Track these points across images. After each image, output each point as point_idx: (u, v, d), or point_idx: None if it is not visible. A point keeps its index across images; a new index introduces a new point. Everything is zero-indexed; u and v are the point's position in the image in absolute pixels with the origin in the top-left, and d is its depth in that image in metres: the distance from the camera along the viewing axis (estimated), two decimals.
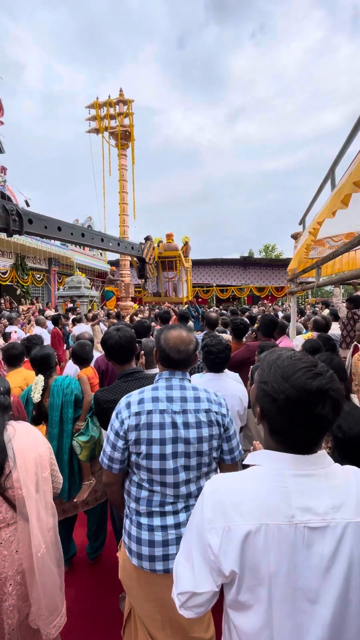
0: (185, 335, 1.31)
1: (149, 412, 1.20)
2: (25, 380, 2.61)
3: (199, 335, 3.47)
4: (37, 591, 1.22)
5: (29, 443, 1.29)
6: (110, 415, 1.30)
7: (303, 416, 0.66)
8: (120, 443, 1.22)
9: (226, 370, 2.41)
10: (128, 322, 5.63)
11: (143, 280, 8.70)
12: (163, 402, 1.22)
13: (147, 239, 8.65)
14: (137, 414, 1.21)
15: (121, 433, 1.21)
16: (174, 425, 1.20)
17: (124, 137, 9.88)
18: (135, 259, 8.24)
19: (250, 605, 0.67)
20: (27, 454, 1.26)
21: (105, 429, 1.44)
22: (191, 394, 1.26)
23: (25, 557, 1.23)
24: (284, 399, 0.67)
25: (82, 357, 2.54)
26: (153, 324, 5.42)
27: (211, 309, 12.63)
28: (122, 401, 1.27)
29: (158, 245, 8.87)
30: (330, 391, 0.66)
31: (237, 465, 1.35)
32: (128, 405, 1.24)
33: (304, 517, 0.66)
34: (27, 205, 15.12)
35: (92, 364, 2.81)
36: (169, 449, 1.18)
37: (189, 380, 1.33)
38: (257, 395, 0.75)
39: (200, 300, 21.67)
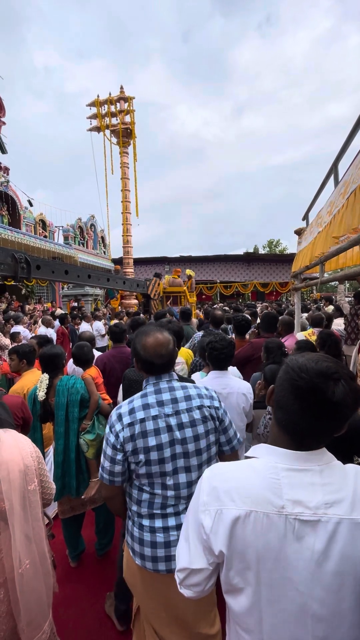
0: (161, 337, 1.27)
1: (142, 421, 1.19)
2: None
3: (199, 334, 3.45)
4: (18, 607, 1.17)
5: (15, 454, 1.23)
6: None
7: (314, 397, 0.67)
8: (119, 456, 1.19)
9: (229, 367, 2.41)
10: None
11: (147, 315, 8.73)
12: (154, 408, 1.21)
13: (157, 275, 8.65)
14: (130, 424, 1.19)
15: (118, 446, 1.19)
16: (169, 428, 1.19)
17: (125, 135, 9.85)
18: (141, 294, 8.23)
19: (241, 588, 0.71)
20: (12, 466, 1.19)
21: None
22: (181, 393, 1.25)
23: (8, 571, 1.16)
24: (297, 374, 0.70)
25: (80, 359, 2.53)
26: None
27: (215, 306, 12.60)
28: (113, 414, 1.24)
29: (163, 281, 8.86)
30: (341, 375, 0.68)
31: (237, 454, 1.34)
32: (120, 418, 1.21)
33: (294, 509, 0.67)
34: (30, 204, 15.13)
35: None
36: (167, 452, 1.18)
37: (177, 380, 1.31)
38: (278, 376, 0.77)
39: (204, 297, 21.63)
